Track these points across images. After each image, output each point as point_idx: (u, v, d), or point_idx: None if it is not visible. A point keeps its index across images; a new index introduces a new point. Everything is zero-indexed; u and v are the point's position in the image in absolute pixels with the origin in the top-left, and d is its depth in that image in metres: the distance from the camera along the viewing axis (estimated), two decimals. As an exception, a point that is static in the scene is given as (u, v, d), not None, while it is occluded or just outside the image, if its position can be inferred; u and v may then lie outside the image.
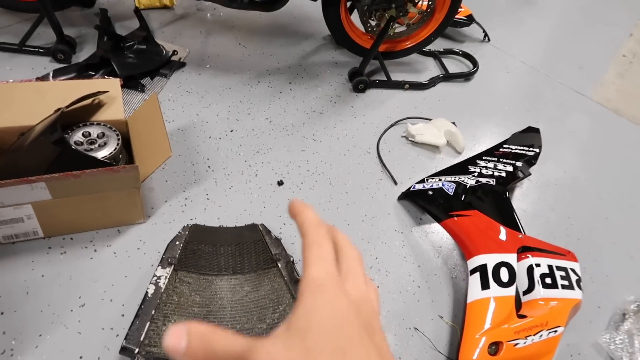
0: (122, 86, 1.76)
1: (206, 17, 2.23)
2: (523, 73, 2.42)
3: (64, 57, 1.79)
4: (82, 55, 1.86)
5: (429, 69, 2.28)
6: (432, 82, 2.16)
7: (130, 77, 1.79)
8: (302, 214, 0.38)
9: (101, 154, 1.33)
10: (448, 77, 2.23)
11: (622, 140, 2.15)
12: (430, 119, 1.96)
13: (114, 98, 1.45)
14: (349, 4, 2.02)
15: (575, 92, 2.37)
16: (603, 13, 3.17)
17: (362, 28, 2.08)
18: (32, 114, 1.35)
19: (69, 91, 1.40)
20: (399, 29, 2.07)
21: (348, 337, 0.28)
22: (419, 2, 1.99)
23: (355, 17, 2.09)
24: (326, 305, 0.29)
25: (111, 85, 1.46)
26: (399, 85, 2.10)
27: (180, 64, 1.93)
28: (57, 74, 1.72)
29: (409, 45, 2.16)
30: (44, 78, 1.69)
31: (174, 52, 1.93)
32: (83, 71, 1.76)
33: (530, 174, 1.73)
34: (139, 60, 1.83)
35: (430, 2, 1.99)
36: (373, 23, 2.04)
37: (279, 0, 1.83)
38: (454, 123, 1.95)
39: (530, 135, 1.96)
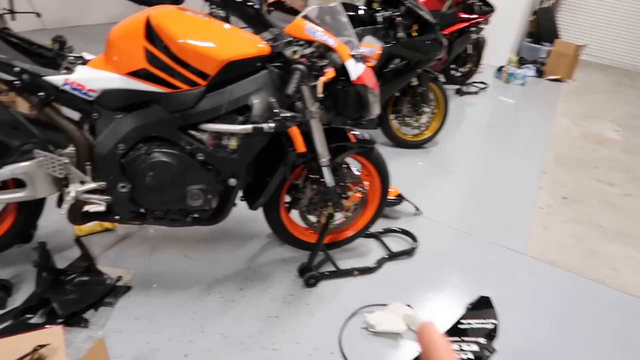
0: (64, 324, 1.66)
1: (149, 233, 2.25)
2: (460, 239, 2.56)
3: (-2, 304, 1.69)
4: (20, 296, 1.77)
5: (373, 250, 2.36)
6: (379, 264, 2.23)
7: (73, 314, 1.69)
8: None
9: None
10: (393, 256, 2.31)
11: (567, 292, 2.24)
12: (385, 304, 1.97)
13: (56, 350, 1.35)
14: (287, 205, 2.13)
15: (511, 251, 2.52)
16: (510, 171, 3.56)
17: (303, 224, 2.17)
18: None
19: (3, 352, 1.29)
20: (338, 220, 2.18)
21: None
22: (351, 195, 2.13)
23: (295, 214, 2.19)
24: None
25: (52, 335, 1.36)
26: (349, 273, 2.14)
27: (126, 289, 1.88)
28: (-10, 325, 1.60)
29: (351, 234, 2.26)
30: (-25, 333, 1.56)
31: (119, 278, 1.88)
32: (20, 316, 1.65)
33: (495, 350, 1.73)
34: (80, 294, 1.76)
35: (362, 195, 2.14)
36: (313, 219, 2.14)
37: (220, 212, 1.90)
38: (409, 305, 1.96)
39: (483, 305, 2.00)
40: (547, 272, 2.39)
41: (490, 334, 1.83)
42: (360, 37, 2.54)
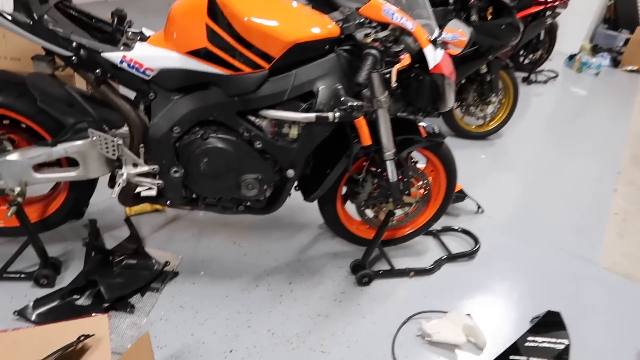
0: (110, 308, 1.62)
1: (198, 216, 2.18)
2: (525, 243, 2.36)
3: (47, 282, 1.67)
4: (68, 274, 1.74)
5: (430, 249, 2.21)
6: (437, 265, 2.08)
7: (119, 298, 1.65)
8: None
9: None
10: (452, 257, 2.15)
11: (645, 312, 2.02)
12: (444, 312, 1.83)
13: (100, 340, 1.30)
14: (342, 196, 2.00)
15: (582, 260, 2.30)
16: (580, 170, 3.28)
17: (358, 217, 2.05)
18: (6, 371, 1.18)
19: (48, 339, 1.25)
20: (397, 216, 2.04)
21: None
22: (414, 191, 1.98)
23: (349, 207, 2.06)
24: None
25: (98, 325, 1.31)
26: (404, 273, 2.01)
27: (173, 274, 1.82)
28: (37, 305, 1.57)
29: (409, 232, 2.11)
30: (23, 311, 1.55)
31: (166, 263, 1.83)
32: (67, 297, 1.62)
33: (567, 377, 1.56)
34: (127, 278, 1.71)
35: (426, 191, 1.99)
36: (370, 214, 2.01)
37: (275, 202, 1.80)
38: (469, 315, 1.82)
39: (552, 322, 1.82)
40: (624, 287, 2.17)
41: (561, 356, 1.66)
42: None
